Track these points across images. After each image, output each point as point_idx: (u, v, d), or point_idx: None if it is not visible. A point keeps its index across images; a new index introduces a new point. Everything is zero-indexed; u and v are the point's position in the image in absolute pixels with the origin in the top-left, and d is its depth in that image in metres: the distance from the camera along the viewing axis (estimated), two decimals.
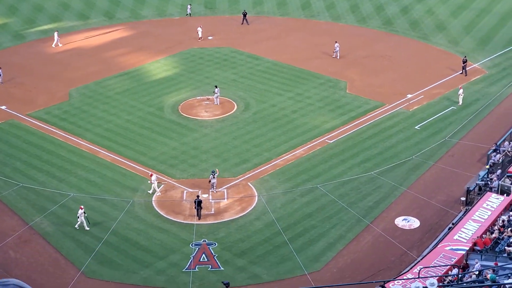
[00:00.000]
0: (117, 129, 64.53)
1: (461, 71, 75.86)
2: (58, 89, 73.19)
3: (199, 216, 51.11)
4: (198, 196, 52.01)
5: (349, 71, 77.37)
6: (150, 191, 54.22)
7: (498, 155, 57.47)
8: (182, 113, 67.47)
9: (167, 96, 71.17)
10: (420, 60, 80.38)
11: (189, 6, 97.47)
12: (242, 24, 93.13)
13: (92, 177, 56.71)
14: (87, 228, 49.99)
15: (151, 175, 54.57)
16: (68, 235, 49.62)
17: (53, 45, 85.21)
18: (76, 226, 50.10)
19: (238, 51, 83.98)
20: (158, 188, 54.25)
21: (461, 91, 69.09)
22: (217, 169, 55.18)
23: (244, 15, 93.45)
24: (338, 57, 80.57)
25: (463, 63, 75.80)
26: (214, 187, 54.47)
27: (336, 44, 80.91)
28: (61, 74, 77.17)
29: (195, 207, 51.26)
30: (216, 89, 69.15)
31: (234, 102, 69.76)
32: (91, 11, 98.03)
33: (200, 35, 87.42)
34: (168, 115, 67.26)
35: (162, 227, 50.65)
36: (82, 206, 50.53)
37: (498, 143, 59.29)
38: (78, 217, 49.94)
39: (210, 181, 54.57)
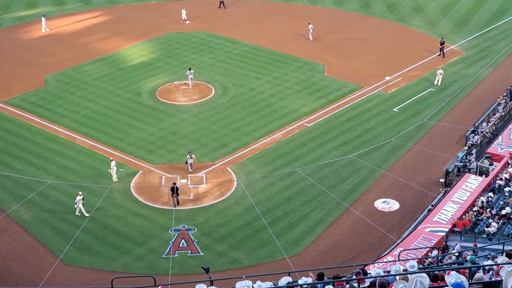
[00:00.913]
0: (94, 115, 64.04)
1: (438, 53, 75.88)
2: (35, 75, 72.51)
3: (177, 203, 50.77)
4: (174, 183, 51.67)
5: (327, 54, 77.20)
6: (115, 179, 53.77)
7: (476, 137, 57.62)
8: (159, 98, 67.06)
9: (144, 82, 70.71)
10: (398, 42, 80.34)
11: None
12: (219, 8, 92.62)
13: (70, 164, 56.27)
14: (87, 215, 49.57)
15: (112, 160, 54.19)
16: (46, 222, 49.25)
17: (43, 30, 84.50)
18: (77, 213, 49.65)
19: (216, 35, 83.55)
20: (116, 175, 53.74)
21: (439, 71, 69.20)
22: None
23: None
24: (311, 38, 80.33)
25: (441, 45, 75.84)
26: (192, 168, 54.37)
27: (310, 26, 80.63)
28: (37, 60, 76.45)
29: (172, 195, 50.93)
30: (189, 71, 68.89)
31: (212, 87, 69.42)
32: None
33: (184, 17, 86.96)
34: (146, 100, 66.82)
35: (140, 213, 50.40)
36: (80, 193, 50.06)
37: (476, 125, 59.45)
38: (76, 203, 49.54)
39: (187, 161, 54.48)
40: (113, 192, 52.61)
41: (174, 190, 50.73)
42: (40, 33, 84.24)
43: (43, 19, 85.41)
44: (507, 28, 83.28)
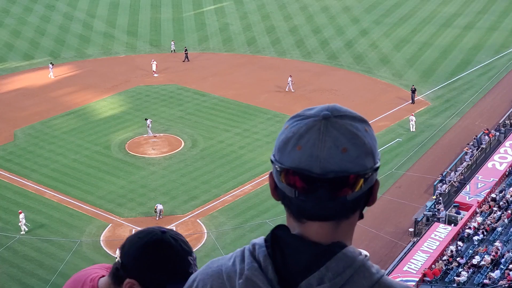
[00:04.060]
0: (63, 169, 63.83)
1: (410, 101, 77.02)
2: (3, 129, 72.21)
3: None
4: None
5: (295, 105, 77.66)
6: (23, 232, 53.36)
7: (444, 186, 58.16)
8: (129, 151, 67.07)
9: (113, 135, 70.74)
10: (365, 93, 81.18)
11: (172, 43, 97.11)
12: (183, 61, 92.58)
13: (39, 218, 55.90)
14: None
15: (20, 213, 53.97)
16: (14, 278, 48.75)
17: (52, 76, 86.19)
18: None
19: (184, 87, 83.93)
20: (25, 227, 53.52)
21: (411, 117, 70.44)
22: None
23: (185, 51, 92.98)
24: (292, 90, 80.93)
25: (412, 92, 77.03)
26: (161, 215, 54.84)
27: (290, 79, 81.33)
28: (5, 114, 76.17)
29: None
30: (148, 121, 69.48)
31: (181, 139, 69.60)
32: (35, 51, 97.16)
33: (154, 69, 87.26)
34: (115, 153, 66.80)
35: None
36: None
37: (444, 174, 60.03)
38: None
39: (155, 210, 54.98)
40: (82, 246, 52.28)
41: None
42: (8, 87, 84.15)
43: (50, 65, 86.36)
44: (471, 79, 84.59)
